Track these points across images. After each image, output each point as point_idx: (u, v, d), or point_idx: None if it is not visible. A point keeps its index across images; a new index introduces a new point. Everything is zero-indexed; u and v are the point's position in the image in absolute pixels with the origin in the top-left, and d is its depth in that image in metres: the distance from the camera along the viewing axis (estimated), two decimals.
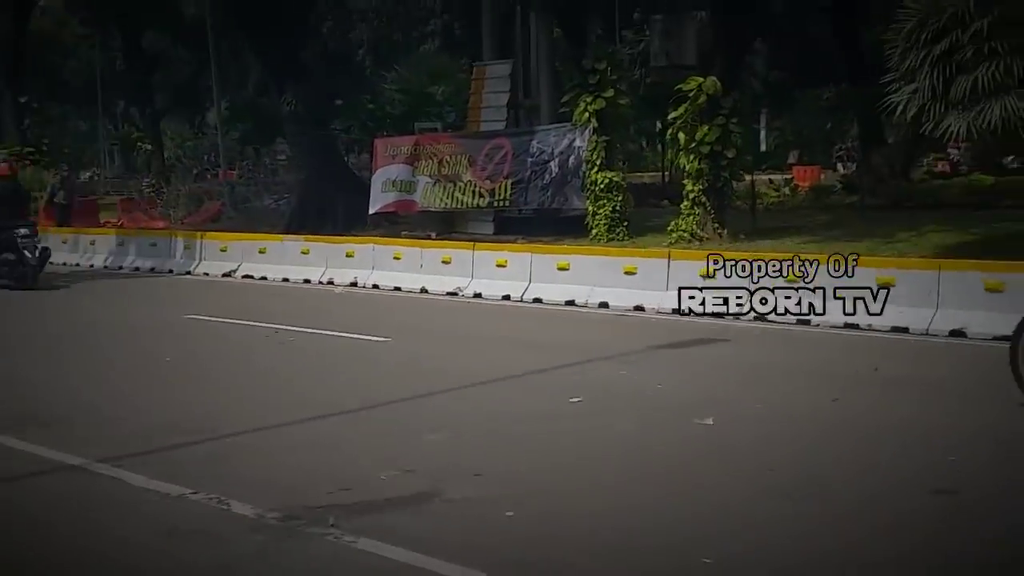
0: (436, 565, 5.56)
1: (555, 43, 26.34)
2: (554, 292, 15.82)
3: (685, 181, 21.77)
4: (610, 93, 23.01)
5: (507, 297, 16.27)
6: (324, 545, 5.93)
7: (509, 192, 24.45)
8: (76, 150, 49.74)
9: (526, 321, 14.89)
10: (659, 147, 52.04)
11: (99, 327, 14.76)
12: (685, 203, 21.38)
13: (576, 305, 15.42)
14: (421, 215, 25.39)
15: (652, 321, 14.11)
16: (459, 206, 25.10)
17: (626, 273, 15.12)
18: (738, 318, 13.48)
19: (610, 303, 15.02)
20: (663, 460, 7.58)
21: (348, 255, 18.99)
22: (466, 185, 25.02)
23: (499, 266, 16.61)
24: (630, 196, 23.91)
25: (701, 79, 21.18)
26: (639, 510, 6.47)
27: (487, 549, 5.82)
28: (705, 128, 20.89)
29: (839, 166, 38.74)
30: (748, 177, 23.96)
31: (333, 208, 27.73)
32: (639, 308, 14.67)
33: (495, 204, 24.78)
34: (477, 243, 18.00)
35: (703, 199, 21.04)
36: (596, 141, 22.94)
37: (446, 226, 25.18)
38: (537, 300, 15.92)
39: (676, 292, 14.08)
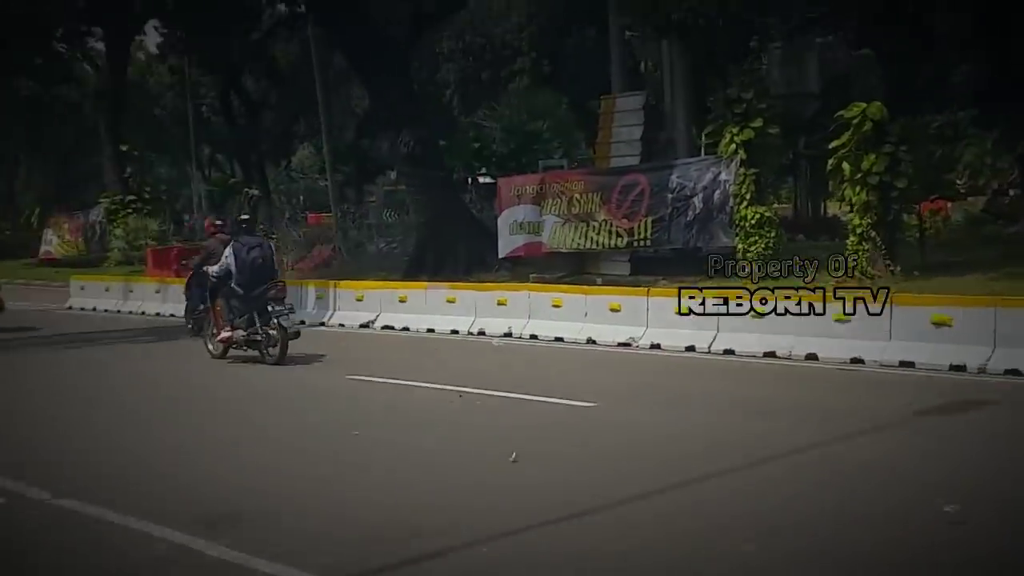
0: None
1: (691, 73, 24.67)
2: (748, 342, 14.15)
3: (851, 215, 20.14)
4: (759, 123, 21.48)
5: (691, 348, 14.64)
6: None
7: (650, 231, 22.94)
8: (170, 198, 48.96)
9: (737, 378, 13.09)
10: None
11: (258, 393, 13.15)
12: (852, 239, 19.73)
13: (778, 356, 13.77)
14: (549, 257, 23.98)
15: (877, 378, 12.45)
16: (594, 246, 23.62)
17: (837, 321, 13.40)
18: (982, 372, 11.84)
19: (819, 355, 13.36)
20: None
21: (500, 303, 17.48)
22: (601, 224, 23.58)
23: (680, 314, 14.92)
24: (783, 232, 22.31)
25: (864, 105, 19.58)
26: None
27: None
28: (872, 157, 19.25)
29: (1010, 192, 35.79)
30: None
31: (454, 251, 26.43)
32: (856, 360, 13.01)
33: (635, 244, 23.28)
34: (651, 288, 16.41)
35: (872, 234, 19.37)
36: (744, 174, 21.39)
37: (576, 268, 23.75)
38: (728, 351, 14.28)
39: (902, 343, 12.65)
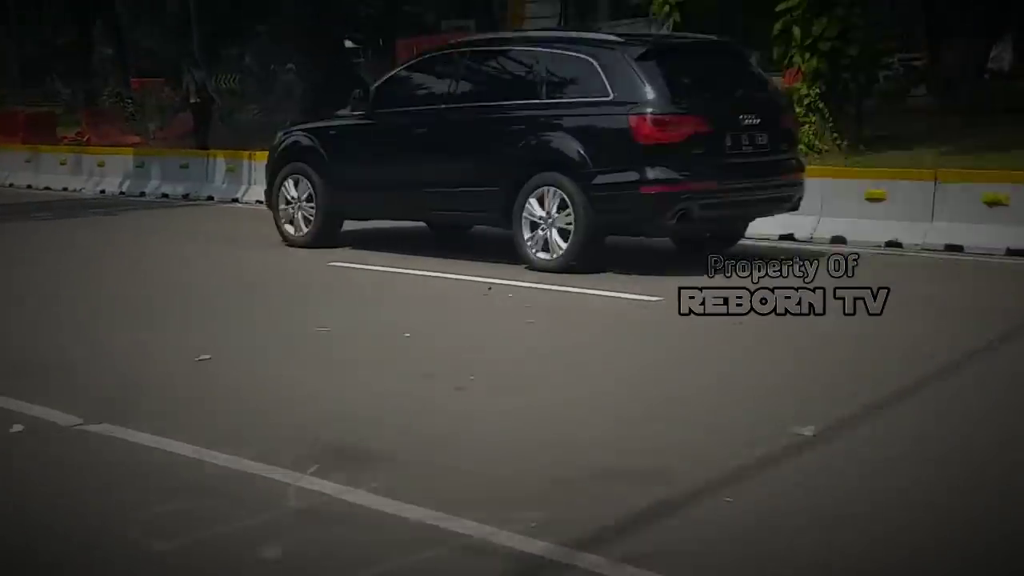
0: None
1: None
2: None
3: (799, 84, 19.05)
4: None
5: None
6: None
7: None
8: None
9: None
10: None
11: (244, 283, 11.11)
12: (797, 109, 18.54)
13: (796, 239, 12.65)
14: None
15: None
16: None
17: (869, 200, 12.28)
18: None
19: (848, 238, 12.28)
20: None
21: None
22: None
23: None
24: None
25: None
26: None
27: None
28: (823, 21, 18.12)
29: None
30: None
31: None
32: (893, 244, 12.00)
33: None
34: None
35: (820, 105, 18.32)
36: None
37: None
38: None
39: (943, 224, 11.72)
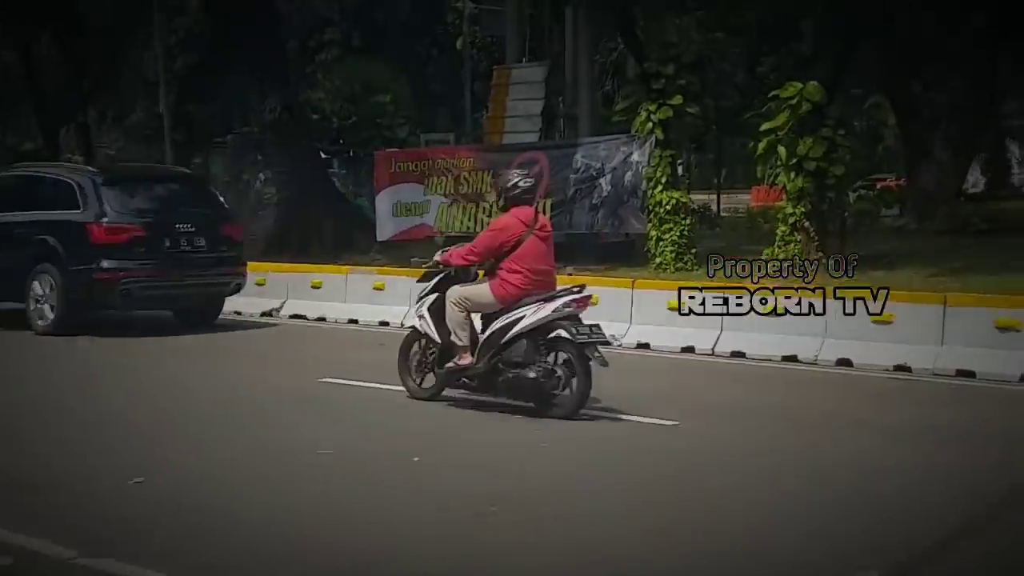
0: None
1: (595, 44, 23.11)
2: (762, 343, 12.59)
3: (784, 203, 18.99)
4: (678, 100, 20.09)
5: (690, 349, 13.03)
6: None
7: (549, 214, 21.26)
8: None
9: (772, 386, 11.45)
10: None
11: (237, 399, 10.58)
12: (782, 228, 18.50)
13: (800, 361, 12.29)
14: (431, 239, 22.03)
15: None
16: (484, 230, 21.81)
17: (876, 323, 11.95)
18: None
19: (854, 361, 11.96)
20: None
21: None
22: (492, 206, 21.70)
23: (671, 309, 13.28)
24: (697, 219, 21.06)
25: (800, 84, 18.42)
26: None
27: None
28: (808, 141, 18.10)
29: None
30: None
31: (320, 231, 24.21)
32: (901, 368, 11.66)
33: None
34: (637, 280, 14.69)
35: (805, 223, 18.21)
36: (660, 156, 19.99)
37: None
38: (737, 354, 12.69)
39: (955, 348, 11.43)
